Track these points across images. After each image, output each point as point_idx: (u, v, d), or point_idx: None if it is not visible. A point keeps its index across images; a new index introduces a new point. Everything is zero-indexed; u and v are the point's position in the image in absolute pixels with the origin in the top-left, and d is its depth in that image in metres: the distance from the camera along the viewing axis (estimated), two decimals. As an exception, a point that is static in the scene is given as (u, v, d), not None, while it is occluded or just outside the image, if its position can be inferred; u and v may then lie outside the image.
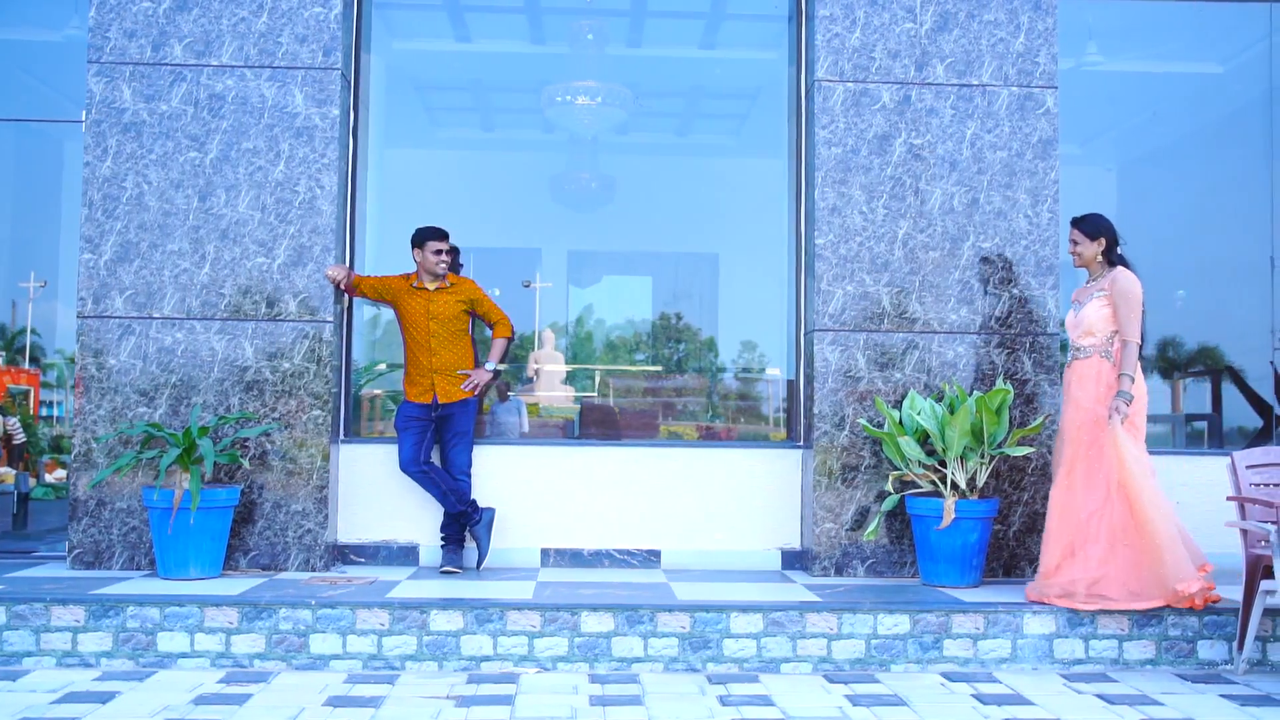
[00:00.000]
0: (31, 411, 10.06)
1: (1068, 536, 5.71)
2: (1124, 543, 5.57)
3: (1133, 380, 5.73)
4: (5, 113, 8.88)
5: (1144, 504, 5.51)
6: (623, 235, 9.52)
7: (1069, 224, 6.12)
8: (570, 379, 9.06)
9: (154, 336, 6.49)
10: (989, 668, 5.44)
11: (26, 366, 9.96)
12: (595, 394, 8.95)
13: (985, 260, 6.69)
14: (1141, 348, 5.91)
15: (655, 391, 9.07)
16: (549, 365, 8.97)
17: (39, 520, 8.45)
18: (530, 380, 8.86)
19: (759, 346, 8.95)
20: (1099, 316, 5.87)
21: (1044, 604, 5.60)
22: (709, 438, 8.31)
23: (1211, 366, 8.99)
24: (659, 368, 9.12)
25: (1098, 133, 9.45)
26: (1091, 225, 5.99)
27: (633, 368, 9.24)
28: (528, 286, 9.22)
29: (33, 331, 9.82)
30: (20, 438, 9.36)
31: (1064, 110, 6.97)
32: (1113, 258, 5.98)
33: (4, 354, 9.79)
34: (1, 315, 9.69)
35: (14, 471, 9.01)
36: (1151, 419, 9.04)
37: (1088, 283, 6.06)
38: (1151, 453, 7.21)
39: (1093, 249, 5.99)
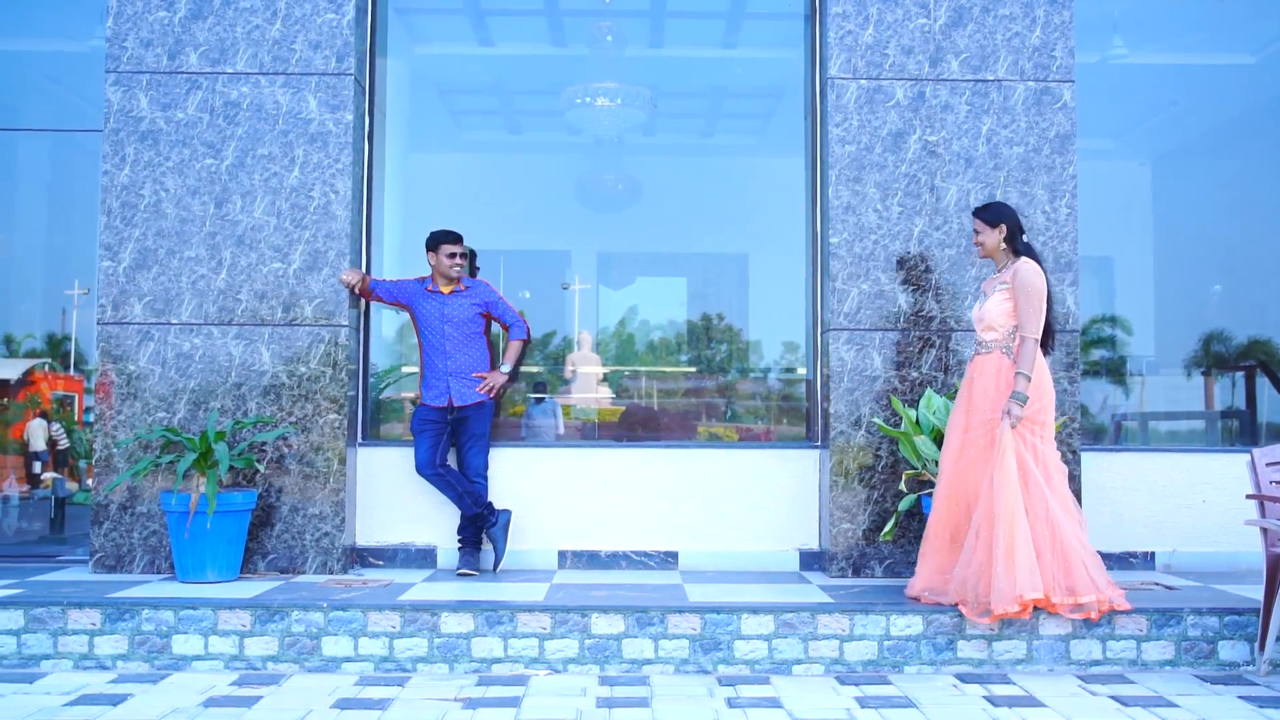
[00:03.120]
0: (75, 417, 10.19)
1: (955, 537, 5.63)
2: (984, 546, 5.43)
3: (1029, 380, 5.49)
4: (37, 123, 9.02)
5: (999, 511, 5.33)
6: (651, 237, 9.50)
7: (971, 214, 5.99)
8: (606, 380, 9.05)
9: (172, 342, 6.56)
10: (1004, 669, 5.37)
11: (70, 372, 10.07)
12: (616, 396, 8.93)
13: (1002, 257, 6.61)
14: (1050, 344, 5.74)
15: (691, 393, 9.05)
16: (585, 367, 8.96)
17: (78, 524, 8.55)
18: (568, 382, 8.87)
19: (794, 347, 8.91)
20: (1000, 310, 5.65)
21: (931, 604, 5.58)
22: (747, 438, 8.28)
23: (1264, 360, 8.83)
24: (693, 369, 9.10)
25: (1129, 126, 9.33)
26: (992, 213, 5.79)
27: (668, 369, 9.23)
28: (566, 289, 9.22)
29: (75, 339, 9.95)
30: (64, 443, 9.49)
31: (1093, 104, 6.88)
32: (1017, 246, 5.74)
33: (49, 360, 9.91)
34: (50, 323, 9.82)
35: (53, 476, 9.14)
36: (1186, 415, 8.99)
37: (995, 274, 5.87)
38: (1181, 450, 7.20)
39: (994, 237, 5.77)
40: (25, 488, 9.22)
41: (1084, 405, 8.38)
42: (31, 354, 9.66)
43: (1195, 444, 8.46)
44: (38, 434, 9.46)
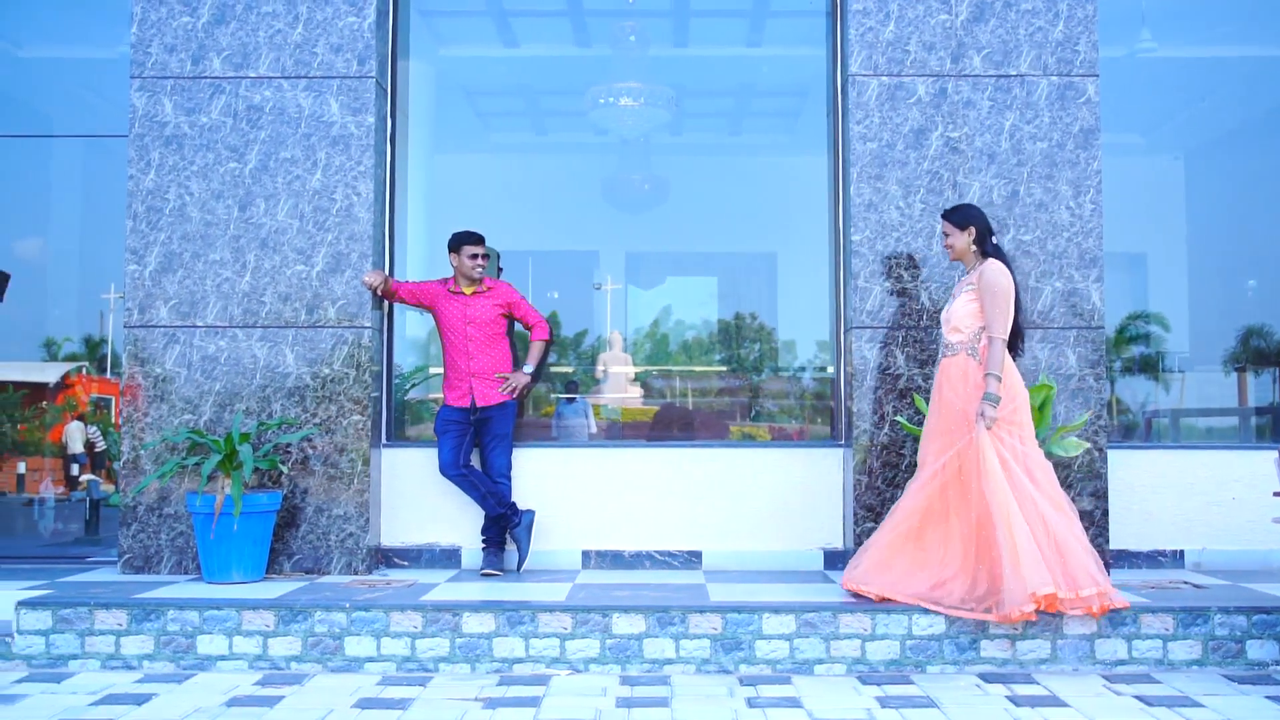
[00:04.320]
0: (112, 419, 10.30)
1: (925, 538, 5.59)
2: (977, 549, 5.40)
3: (999, 380, 5.44)
4: (72, 129, 9.13)
5: (995, 514, 5.27)
6: (680, 236, 9.48)
7: (940, 216, 5.97)
8: (637, 380, 9.05)
9: (198, 345, 6.62)
10: (1028, 669, 5.33)
11: (107, 375, 10.19)
12: (647, 395, 8.92)
13: (1026, 254, 6.56)
14: (1020, 345, 5.74)
15: (723, 392, 9.03)
16: (616, 367, 8.97)
17: (113, 526, 8.62)
18: (599, 382, 8.87)
19: (826, 346, 8.87)
20: (966, 311, 5.62)
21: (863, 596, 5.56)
22: (780, 438, 8.25)
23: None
24: (724, 368, 9.08)
25: (1160, 121, 9.23)
26: (961, 216, 5.77)
27: (698, 368, 9.21)
28: (599, 289, 9.22)
29: (111, 343, 10.07)
30: (101, 445, 9.60)
31: (1123, 99, 6.81)
32: (986, 249, 5.71)
33: (86, 364, 10.03)
34: (88, 326, 9.93)
35: (89, 478, 9.25)
36: (1219, 412, 8.87)
37: (965, 276, 5.83)
38: (1210, 448, 7.11)
39: (963, 240, 5.74)
40: (62, 489, 9.33)
41: (1119, 400, 8.33)
42: (70, 358, 9.77)
43: (1229, 441, 8.36)
44: (75, 437, 9.57)
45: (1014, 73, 6.64)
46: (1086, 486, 6.45)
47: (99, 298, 9.70)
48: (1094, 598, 5.27)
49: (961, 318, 5.64)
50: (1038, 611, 5.24)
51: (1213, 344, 8.77)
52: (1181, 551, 6.79)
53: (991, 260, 5.65)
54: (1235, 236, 8.99)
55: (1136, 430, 8.33)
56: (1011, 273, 5.63)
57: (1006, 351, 5.55)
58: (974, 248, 5.75)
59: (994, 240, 5.76)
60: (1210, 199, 9.22)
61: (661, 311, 9.46)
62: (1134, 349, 8.69)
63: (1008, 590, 5.19)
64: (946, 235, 5.83)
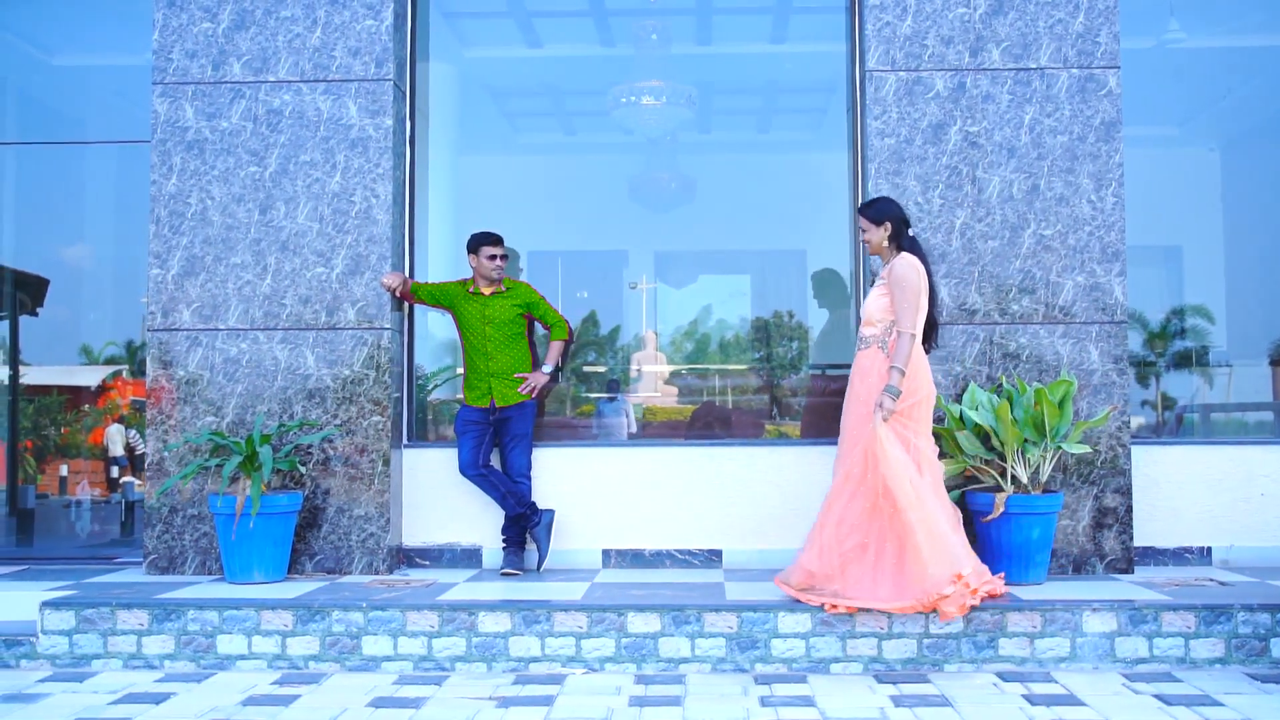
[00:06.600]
0: (151, 423, 10.41)
1: (847, 539, 5.51)
2: (892, 543, 5.36)
3: (903, 374, 5.41)
4: (104, 135, 9.24)
5: (901, 504, 5.27)
6: (708, 234, 9.46)
7: (857, 211, 5.94)
8: (671, 380, 9.03)
9: (220, 347, 6.68)
10: (1046, 667, 5.28)
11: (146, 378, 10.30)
12: (680, 394, 8.91)
13: (1047, 248, 6.50)
14: (933, 339, 5.74)
15: (759, 390, 9.00)
16: (649, 366, 8.96)
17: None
18: (633, 381, 8.87)
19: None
20: (877, 306, 5.60)
21: (803, 602, 5.49)
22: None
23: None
24: (756, 366, 9.04)
25: (1195, 112, 9.09)
26: (876, 210, 5.73)
27: (731, 367, 9.19)
28: (634, 288, 9.22)
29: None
30: (141, 448, 9.72)
31: (1155, 90, 6.70)
32: (902, 243, 5.68)
33: (125, 367, 10.16)
34: (129, 330, 10.05)
35: (126, 480, 9.36)
36: (1254, 407, 8.73)
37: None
38: (1238, 443, 7.01)
39: (879, 234, 5.71)
40: (98, 491, 9.45)
41: (1165, 394, 8.22)
42: (110, 361, 9.89)
43: (1263, 436, 8.22)
44: (116, 440, 9.70)
45: (1033, 66, 6.58)
46: (1110, 483, 6.38)
47: (137, 301, 9.81)
48: (977, 591, 5.28)
49: (873, 311, 5.64)
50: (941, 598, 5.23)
51: (1252, 338, 8.63)
52: (1209, 548, 6.70)
53: (903, 254, 5.63)
54: (1273, 229, 8.85)
55: (1166, 426, 8.21)
56: (926, 266, 5.63)
57: (920, 347, 5.56)
58: (890, 243, 5.73)
59: (910, 233, 5.75)
60: (1247, 191, 9.06)
61: (701, 311, 9.45)
62: (1177, 344, 8.57)
63: (931, 575, 5.20)
64: (863, 230, 5.82)
